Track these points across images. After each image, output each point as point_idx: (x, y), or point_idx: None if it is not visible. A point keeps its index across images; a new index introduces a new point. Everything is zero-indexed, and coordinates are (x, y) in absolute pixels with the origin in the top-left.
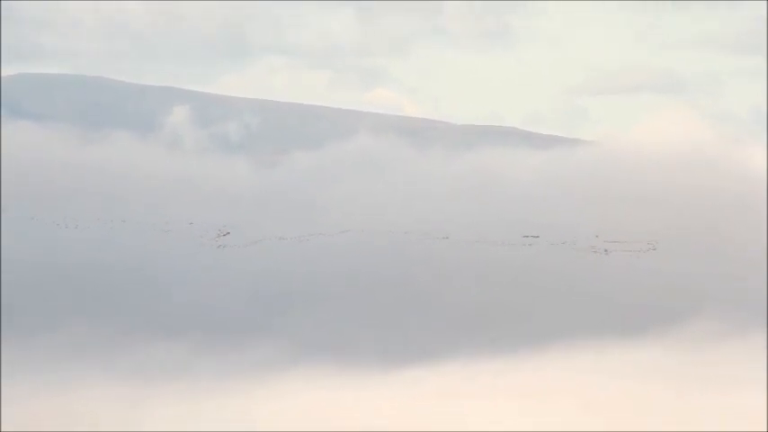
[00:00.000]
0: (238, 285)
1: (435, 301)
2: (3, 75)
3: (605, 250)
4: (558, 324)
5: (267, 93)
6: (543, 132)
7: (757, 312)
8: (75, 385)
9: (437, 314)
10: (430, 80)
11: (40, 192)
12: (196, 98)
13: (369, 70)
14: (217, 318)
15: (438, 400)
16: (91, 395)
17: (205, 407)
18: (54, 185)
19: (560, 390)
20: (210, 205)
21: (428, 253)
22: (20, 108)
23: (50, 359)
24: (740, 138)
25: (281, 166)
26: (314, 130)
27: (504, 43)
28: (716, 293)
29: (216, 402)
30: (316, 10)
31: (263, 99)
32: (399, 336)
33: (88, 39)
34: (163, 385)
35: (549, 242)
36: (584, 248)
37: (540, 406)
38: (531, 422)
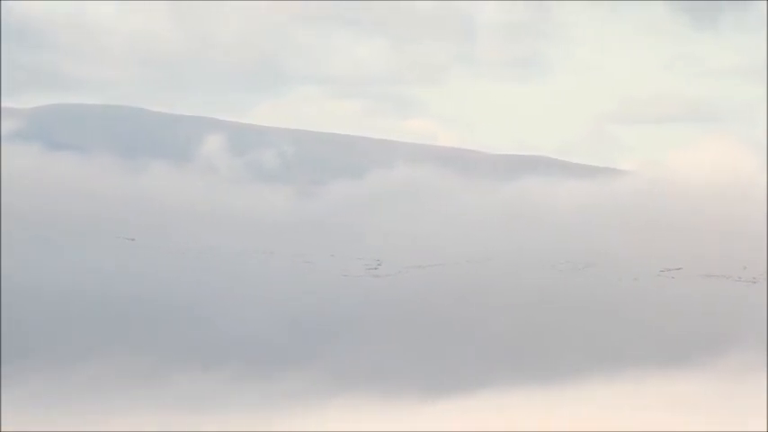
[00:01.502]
0: (283, 315)
1: (479, 330)
2: (36, 105)
3: (753, 279)
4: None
5: (301, 122)
6: (577, 161)
7: None
8: (115, 414)
9: (481, 344)
10: (463, 109)
11: (80, 222)
12: (230, 128)
13: (402, 99)
14: (257, 347)
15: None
16: (129, 425)
17: None
18: (94, 215)
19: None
20: (252, 231)
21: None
22: (54, 139)
23: (89, 389)
24: None
25: (322, 196)
26: (350, 159)
27: (536, 71)
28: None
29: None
30: (349, 39)
31: (297, 129)
32: (441, 365)
33: (121, 68)
34: (202, 415)
35: (691, 274)
36: (733, 279)
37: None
38: None
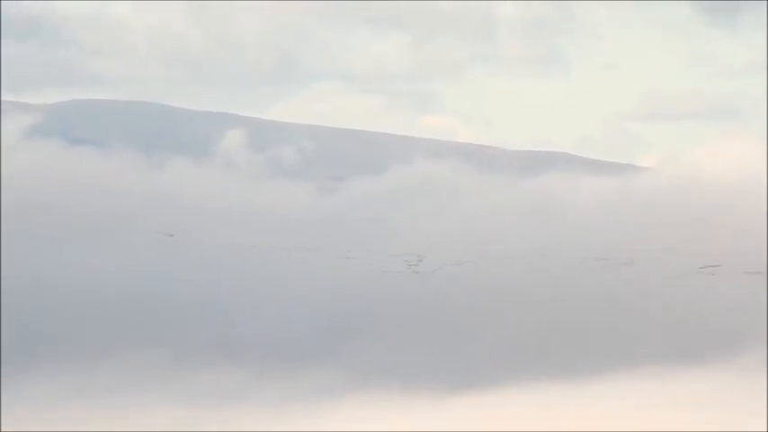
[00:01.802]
0: (303, 312)
1: (503, 325)
2: (56, 101)
3: None
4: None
5: (321, 118)
6: (596, 158)
7: None
8: (135, 410)
9: (504, 340)
10: (482, 105)
11: (100, 218)
12: (251, 124)
13: (422, 95)
14: (278, 344)
15: (497, 427)
16: (150, 420)
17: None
18: (115, 211)
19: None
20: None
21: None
22: (74, 134)
23: (111, 384)
24: None
25: (342, 192)
26: (370, 155)
27: (556, 68)
28: None
29: (276, 428)
30: (368, 35)
31: (317, 125)
32: (462, 361)
33: (141, 65)
34: (222, 410)
35: (730, 270)
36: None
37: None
38: None
